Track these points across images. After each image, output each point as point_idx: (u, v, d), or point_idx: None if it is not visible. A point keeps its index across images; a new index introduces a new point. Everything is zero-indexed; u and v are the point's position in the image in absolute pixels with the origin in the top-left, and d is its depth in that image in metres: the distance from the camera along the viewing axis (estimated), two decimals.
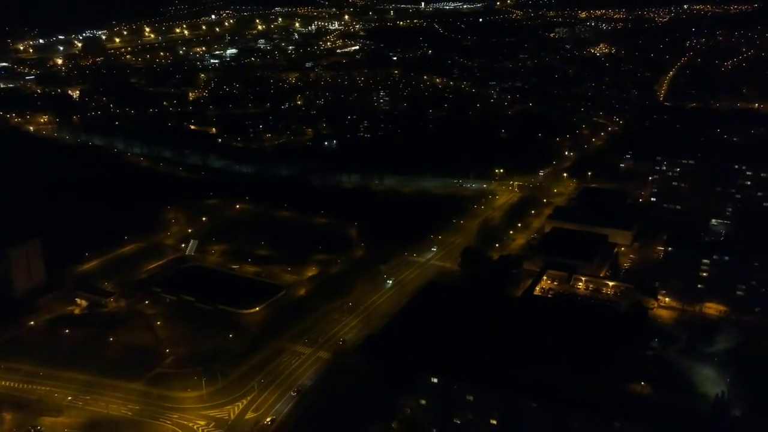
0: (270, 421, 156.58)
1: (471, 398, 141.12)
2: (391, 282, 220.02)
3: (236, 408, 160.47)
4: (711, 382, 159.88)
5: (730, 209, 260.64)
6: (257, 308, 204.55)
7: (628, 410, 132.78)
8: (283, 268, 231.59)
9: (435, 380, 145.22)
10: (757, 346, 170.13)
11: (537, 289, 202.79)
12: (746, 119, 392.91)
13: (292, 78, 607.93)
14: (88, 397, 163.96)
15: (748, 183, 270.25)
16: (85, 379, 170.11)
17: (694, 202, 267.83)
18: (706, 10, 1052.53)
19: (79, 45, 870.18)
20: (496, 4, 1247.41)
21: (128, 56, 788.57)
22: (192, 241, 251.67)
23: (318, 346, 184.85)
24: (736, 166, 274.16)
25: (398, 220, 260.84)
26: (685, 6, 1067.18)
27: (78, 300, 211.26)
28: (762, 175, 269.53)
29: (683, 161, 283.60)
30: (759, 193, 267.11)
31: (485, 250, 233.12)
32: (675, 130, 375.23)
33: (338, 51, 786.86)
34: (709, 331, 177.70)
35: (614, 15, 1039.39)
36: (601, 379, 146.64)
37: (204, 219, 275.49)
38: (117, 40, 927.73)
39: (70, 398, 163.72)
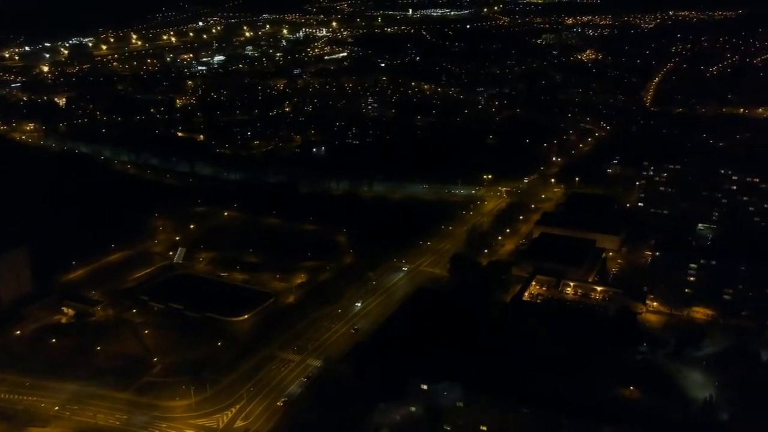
0: (282, 402, 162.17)
1: (461, 405, 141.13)
2: (360, 304, 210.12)
3: (225, 417, 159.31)
4: (699, 386, 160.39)
5: (716, 214, 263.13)
6: (246, 316, 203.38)
7: (617, 415, 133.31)
8: (272, 276, 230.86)
9: (425, 387, 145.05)
10: (745, 349, 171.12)
11: (526, 294, 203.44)
12: (732, 124, 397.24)
13: (280, 85, 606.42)
14: (75, 407, 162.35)
15: (734, 187, 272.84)
16: (72, 388, 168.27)
17: (681, 207, 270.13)
18: (691, 16, 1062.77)
19: (66, 52, 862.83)
20: (483, 11, 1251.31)
21: (115, 63, 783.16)
22: (180, 248, 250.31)
23: (307, 354, 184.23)
24: (722, 171, 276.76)
25: (387, 226, 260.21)
26: (670, 12, 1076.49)
27: (65, 309, 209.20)
28: (748, 179, 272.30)
29: (670, 166, 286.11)
30: (745, 198, 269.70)
31: (474, 255, 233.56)
32: (661, 135, 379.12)
33: (326, 57, 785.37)
34: (697, 336, 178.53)
35: (601, 21, 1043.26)
36: (590, 384, 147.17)
37: (192, 226, 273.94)
38: (104, 47, 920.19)
39: (57, 408, 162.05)
